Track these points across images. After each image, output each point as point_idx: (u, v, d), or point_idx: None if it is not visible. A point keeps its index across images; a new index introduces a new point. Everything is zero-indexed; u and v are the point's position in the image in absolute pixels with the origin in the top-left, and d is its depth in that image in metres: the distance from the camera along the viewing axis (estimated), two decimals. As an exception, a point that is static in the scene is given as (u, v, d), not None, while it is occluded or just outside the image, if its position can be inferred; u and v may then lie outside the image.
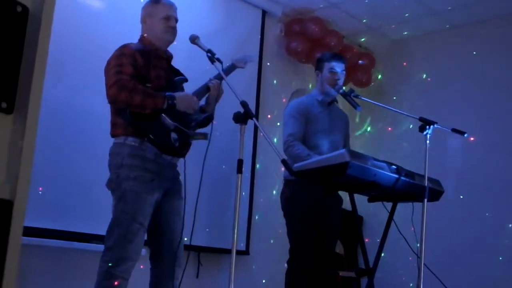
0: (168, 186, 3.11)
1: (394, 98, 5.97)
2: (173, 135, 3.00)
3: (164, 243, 3.10)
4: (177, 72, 3.33)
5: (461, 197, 5.15)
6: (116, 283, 2.85)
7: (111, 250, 2.90)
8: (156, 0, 3.27)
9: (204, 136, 3.07)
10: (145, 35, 3.25)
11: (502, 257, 4.98)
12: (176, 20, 3.27)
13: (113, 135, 3.07)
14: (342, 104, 4.50)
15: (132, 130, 2.98)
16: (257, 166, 5.27)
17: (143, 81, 3.01)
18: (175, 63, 3.38)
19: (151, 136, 2.97)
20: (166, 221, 3.11)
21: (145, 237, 3.05)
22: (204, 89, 3.25)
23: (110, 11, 4.28)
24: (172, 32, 3.23)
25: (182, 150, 3.07)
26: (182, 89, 3.21)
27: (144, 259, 3.09)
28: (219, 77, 3.26)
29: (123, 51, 3.04)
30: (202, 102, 3.30)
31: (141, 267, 3.06)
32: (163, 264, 3.10)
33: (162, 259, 3.10)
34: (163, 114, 2.99)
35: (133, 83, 2.91)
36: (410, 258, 4.04)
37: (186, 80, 3.31)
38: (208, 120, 3.22)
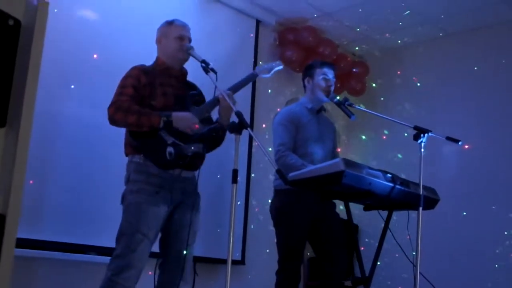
0: (179, 199, 3.16)
1: (388, 105, 6.00)
2: (169, 150, 3.05)
3: (171, 254, 3.18)
4: (192, 88, 3.40)
5: (458, 207, 5.15)
6: None
7: (116, 259, 2.98)
8: (170, 21, 3.40)
9: (198, 148, 3.09)
10: (159, 56, 3.37)
11: (498, 264, 4.98)
12: (190, 40, 3.38)
13: (125, 154, 3.21)
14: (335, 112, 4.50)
15: (134, 149, 3.12)
16: (252, 175, 5.27)
17: (148, 99, 3.12)
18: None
19: (148, 153, 3.07)
20: (174, 232, 3.18)
21: (151, 249, 3.08)
22: (215, 102, 3.27)
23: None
24: (185, 51, 3.31)
25: (178, 162, 3.08)
26: (196, 104, 3.26)
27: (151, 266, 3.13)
28: (231, 88, 3.31)
29: (129, 73, 3.18)
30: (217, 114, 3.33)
31: (150, 273, 3.14)
32: (168, 274, 3.17)
33: (168, 269, 3.17)
34: (162, 131, 3.06)
35: (129, 104, 3.04)
36: (397, 255, 4.03)
37: (198, 95, 3.35)
38: (213, 131, 3.23)
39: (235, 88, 3.35)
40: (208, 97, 3.36)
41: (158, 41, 3.39)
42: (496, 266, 4.98)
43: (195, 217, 3.23)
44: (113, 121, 3.05)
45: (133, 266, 2.95)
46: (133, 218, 3.01)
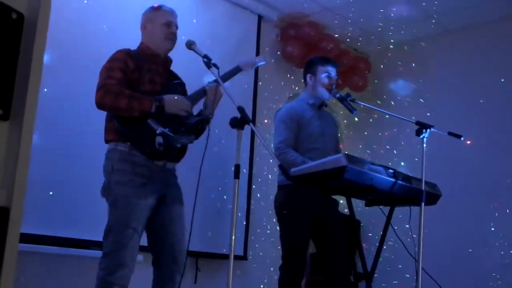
0: (163, 191, 3.10)
1: (390, 101, 6.00)
2: (158, 140, 2.93)
3: (164, 248, 3.09)
4: (175, 77, 3.33)
5: (460, 203, 5.15)
6: None
7: (107, 257, 2.90)
8: (157, 6, 3.29)
9: (189, 140, 3.05)
10: (143, 41, 3.26)
11: (501, 260, 4.98)
12: (177, 27, 3.29)
13: (106, 141, 3.09)
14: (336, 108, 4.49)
15: (120, 136, 3.01)
16: (254, 171, 5.27)
17: (135, 84, 3.03)
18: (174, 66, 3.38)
19: (135, 141, 2.98)
20: (165, 226, 3.10)
21: (140, 243, 3.02)
22: (201, 93, 3.24)
23: (106, 15, 4.30)
24: (172, 38, 3.24)
25: (167, 154, 3.02)
26: (180, 94, 3.19)
27: (141, 264, 3.09)
28: (215, 81, 3.25)
29: (115, 56, 3.07)
30: (201, 106, 3.29)
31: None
32: (164, 269, 3.10)
33: (163, 264, 3.10)
34: (150, 119, 2.97)
35: (119, 87, 2.92)
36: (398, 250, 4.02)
37: (181, 85, 3.29)
38: (201, 123, 3.18)
39: (199, 95, 3.28)
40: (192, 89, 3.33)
41: (143, 27, 3.27)
42: (499, 261, 4.98)
43: (182, 209, 3.18)
44: (101, 105, 2.92)
45: (126, 264, 2.88)
46: (122, 212, 2.92)
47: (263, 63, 3.58)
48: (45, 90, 3.82)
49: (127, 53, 3.09)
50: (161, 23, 3.22)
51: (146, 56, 3.17)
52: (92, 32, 4.17)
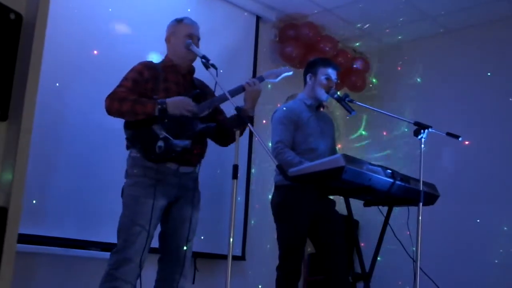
0: (176, 193, 3.17)
1: (388, 101, 6.00)
2: (159, 143, 3.04)
3: (170, 248, 3.19)
4: (197, 87, 3.38)
5: (458, 203, 5.16)
6: (115, 284, 2.91)
7: (115, 254, 3.00)
8: (180, 19, 3.39)
9: (184, 144, 3.07)
10: (168, 54, 3.37)
11: (498, 260, 4.99)
12: (198, 39, 3.38)
13: (126, 148, 3.22)
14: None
15: (130, 142, 3.14)
16: (253, 171, 5.27)
17: (150, 93, 3.13)
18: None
19: (140, 145, 3.09)
20: (173, 227, 3.19)
21: (150, 243, 3.08)
22: (239, 90, 3.30)
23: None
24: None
25: (167, 156, 3.07)
26: (196, 101, 3.21)
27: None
28: (258, 78, 3.40)
29: (133, 67, 3.21)
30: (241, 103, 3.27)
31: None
32: (167, 269, 3.18)
33: (167, 264, 3.19)
34: (155, 125, 3.06)
35: (125, 94, 3.06)
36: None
37: (202, 94, 3.32)
38: (206, 129, 3.22)
39: (237, 91, 3.32)
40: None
41: (167, 40, 3.38)
42: (496, 261, 4.99)
43: (194, 213, 3.24)
44: (109, 110, 3.07)
45: (132, 260, 2.95)
46: (130, 211, 3.03)
47: (290, 73, 3.58)
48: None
49: (145, 65, 3.23)
50: (183, 35, 3.30)
51: (166, 67, 3.29)
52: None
